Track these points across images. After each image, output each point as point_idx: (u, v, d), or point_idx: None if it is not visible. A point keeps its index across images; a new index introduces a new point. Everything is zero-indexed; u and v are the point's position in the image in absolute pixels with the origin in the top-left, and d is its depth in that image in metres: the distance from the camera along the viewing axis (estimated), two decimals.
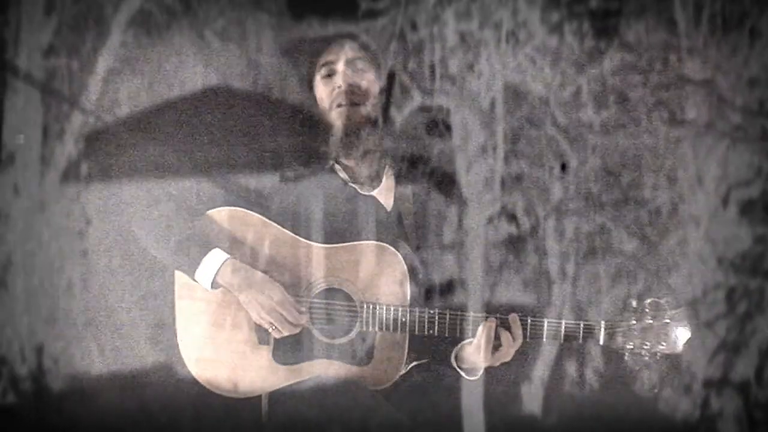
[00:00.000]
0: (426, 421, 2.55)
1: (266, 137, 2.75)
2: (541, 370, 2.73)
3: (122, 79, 2.74)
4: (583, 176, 2.72)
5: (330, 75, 2.66)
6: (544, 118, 2.71)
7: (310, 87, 2.70)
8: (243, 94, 2.81)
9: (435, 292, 2.64)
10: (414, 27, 2.68)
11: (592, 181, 2.72)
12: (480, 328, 2.53)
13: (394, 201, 2.70)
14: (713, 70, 2.60)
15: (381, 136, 2.67)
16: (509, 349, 2.54)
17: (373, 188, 2.70)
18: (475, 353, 2.55)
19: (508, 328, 2.53)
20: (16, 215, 2.63)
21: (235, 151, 2.73)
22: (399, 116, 2.68)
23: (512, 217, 2.73)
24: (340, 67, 2.65)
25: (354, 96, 2.64)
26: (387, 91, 2.67)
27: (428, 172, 2.71)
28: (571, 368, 2.74)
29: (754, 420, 2.58)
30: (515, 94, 2.70)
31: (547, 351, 2.72)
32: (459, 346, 2.61)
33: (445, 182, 2.72)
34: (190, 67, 2.77)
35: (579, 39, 2.65)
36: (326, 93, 2.66)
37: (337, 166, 2.68)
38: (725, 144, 2.60)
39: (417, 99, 2.68)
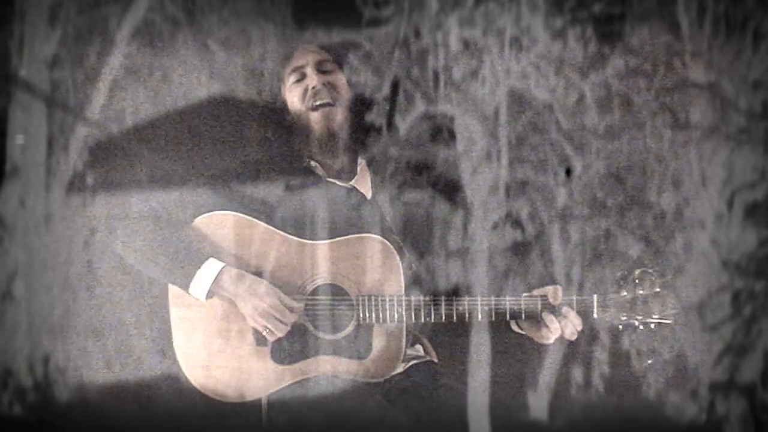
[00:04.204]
0: (431, 427, 2.55)
1: (261, 144, 2.77)
2: (547, 374, 2.73)
3: (127, 90, 2.74)
4: (588, 181, 2.72)
5: (300, 79, 2.70)
6: (548, 124, 2.71)
7: (277, 94, 2.74)
8: (247, 104, 2.82)
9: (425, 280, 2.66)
10: (417, 34, 2.68)
11: (597, 185, 2.72)
12: (557, 323, 2.57)
13: (373, 188, 2.72)
14: (717, 74, 2.61)
15: (354, 131, 2.70)
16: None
17: (350, 179, 2.71)
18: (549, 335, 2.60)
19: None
20: (21, 226, 2.63)
21: (233, 159, 2.74)
22: (403, 124, 2.69)
23: (517, 223, 2.73)
24: (309, 70, 2.69)
25: (328, 94, 2.67)
26: (391, 98, 2.68)
27: (433, 178, 2.72)
28: (577, 372, 2.74)
29: (761, 423, 2.58)
30: (519, 100, 2.70)
31: (553, 354, 2.72)
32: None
33: (450, 189, 2.72)
34: (194, 77, 2.78)
35: (582, 44, 2.66)
36: (298, 96, 2.69)
37: (313, 163, 2.70)
38: (730, 147, 2.60)
39: (421, 106, 2.69)
